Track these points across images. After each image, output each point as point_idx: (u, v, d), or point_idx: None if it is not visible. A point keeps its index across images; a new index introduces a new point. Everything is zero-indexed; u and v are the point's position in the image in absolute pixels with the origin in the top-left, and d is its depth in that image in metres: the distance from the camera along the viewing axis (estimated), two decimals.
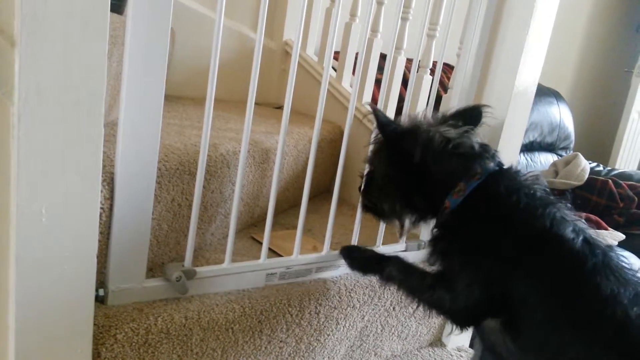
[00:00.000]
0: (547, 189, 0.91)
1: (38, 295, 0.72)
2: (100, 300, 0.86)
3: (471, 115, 0.98)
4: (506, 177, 0.92)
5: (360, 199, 1.08)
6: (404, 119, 1.00)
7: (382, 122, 0.96)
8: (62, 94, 0.67)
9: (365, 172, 1.07)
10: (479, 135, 0.96)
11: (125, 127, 0.78)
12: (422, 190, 0.95)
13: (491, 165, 0.92)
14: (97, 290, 0.85)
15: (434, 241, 0.96)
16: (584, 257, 0.81)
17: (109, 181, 0.81)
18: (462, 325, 0.93)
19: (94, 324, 0.80)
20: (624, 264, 0.83)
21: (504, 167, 0.95)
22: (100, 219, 0.80)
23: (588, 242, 0.83)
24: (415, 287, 0.98)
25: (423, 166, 0.93)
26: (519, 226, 0.86)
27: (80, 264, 0.74)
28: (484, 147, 0.94)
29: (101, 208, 0.80)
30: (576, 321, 0.81)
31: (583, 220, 0.88)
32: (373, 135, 1.03)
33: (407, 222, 1.01)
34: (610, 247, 0.85)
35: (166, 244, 1.02)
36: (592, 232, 0.86)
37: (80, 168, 0.70)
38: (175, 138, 1.11)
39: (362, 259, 1.10)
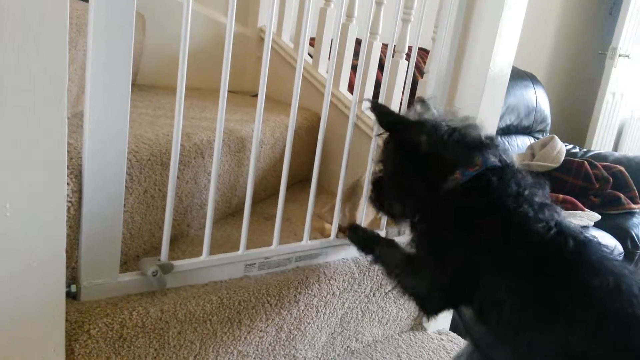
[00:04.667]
0: (544, 191, 0.88)
1: (4, 293, 0.70)
2: (72, 296, 0.84)
3: None
4: (504, 174, 0.89)
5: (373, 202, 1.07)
6: (408, 113, 0.98)
7: (382, 114, 0.95)
8: (22, 84, 0.64)
9: (374, 176, 1.05)
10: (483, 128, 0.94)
11: (91, 117, 0.76)
12: (427, 181, 0.93)
13: (492, 159, 0.89)
14: (68, 286, 0.83)
15: (415, 223, 0.96)
16: (555, 251, 0.79)
17: (77, 174, 0.79)
18: (427, 311, 0.93)
19: (67, 321, 0.78)
20: (604, 253, 0.79)
21: (507, 163, 0.91)
22: (69, 212, 0.77)
23: (562, 234, 0.79)
24: (390, 271, 1.01)
25: (429, 156, 0.91)
26: (496, 222, 0.84)
27: (48, 259, 0.72)
28: (490, 139, 0.92)
29: (69, 201, 0.77)
30: (546, 316, 0.77)
31: (567, 220, 0.85)
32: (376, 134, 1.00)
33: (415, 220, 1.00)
34: (588, 236, 0.80)
35: (140, 237, 1.00)
36: (572, 227, 0.82)
37: (44, 160, 0.68)
38: (146, 128, 1.08)
39: (362, 238, 1.14)
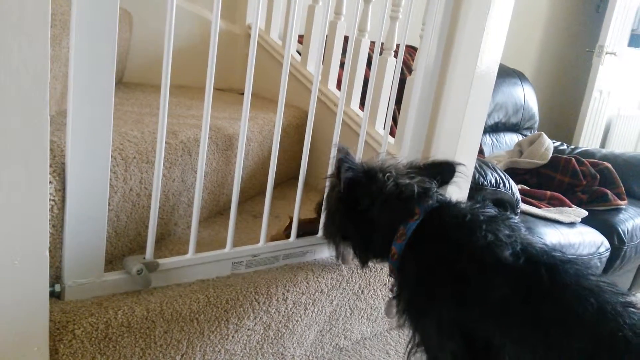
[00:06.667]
0: (491, 210, 0.88)
1: None
2: (56, 296, 0.83)
3: (444, 171, 0.99)
4: (444, 211, 0.90)
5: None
6: (375, 159, 0.99)
7: (342, 174, 0.94)
8: (3, 80, 0.63)
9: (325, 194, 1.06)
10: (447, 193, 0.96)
11: (75, 115, 0.75)
12: (373, 232, 0.95)
13: (429, 203, 0.91)
14: (52, 286, 0.82)
15: (396, 298, 0.94)
16: (532, 281, 0.77)
17: (60, 172, 0.78)
18: None
19: (51, 320, 0.77)
20: (576, 269, 0.77)
21: (446, 202, 0.93)
22: (52, 211, 0.76)
23: (532, 261, 0.78)
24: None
25: (370, 212, 0.93)
26: (456, 261, 0.83)
27: (31, 259, 0.71)
28: (424, 189, 0.93)
29: (52, 200, 0.76)
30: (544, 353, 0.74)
31: (524, 232, 0.84)
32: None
33: (366, 259, 1.01)
34: (555, 257, 0.79)
35: (125, 236, 0.99)
36: (538, 248, 0.81)
37: (25, 158, 0.67)
38: (132, 126, 1.07)
39: None
